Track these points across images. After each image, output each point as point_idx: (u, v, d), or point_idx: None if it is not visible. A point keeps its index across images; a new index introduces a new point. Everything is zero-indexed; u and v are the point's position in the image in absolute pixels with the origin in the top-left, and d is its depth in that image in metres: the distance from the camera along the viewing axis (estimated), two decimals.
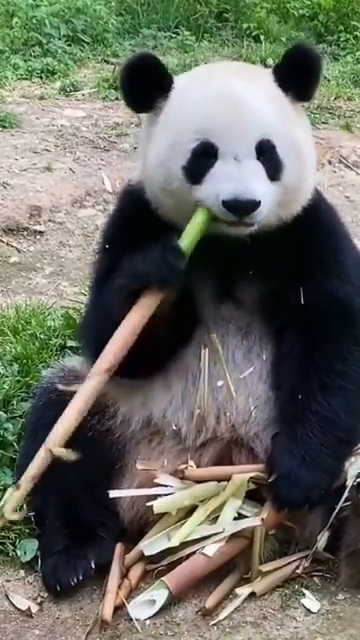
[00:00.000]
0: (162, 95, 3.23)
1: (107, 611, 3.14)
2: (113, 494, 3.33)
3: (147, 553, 3.26)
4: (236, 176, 3.08)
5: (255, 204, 3.08)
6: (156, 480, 3.28)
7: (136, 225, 3.31)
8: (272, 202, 3.16)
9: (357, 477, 3.22)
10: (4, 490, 3.47)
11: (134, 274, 3.14)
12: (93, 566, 3.30)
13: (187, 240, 3.13)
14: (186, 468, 3.28)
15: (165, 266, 3.10)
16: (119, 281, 3.19)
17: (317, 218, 3.35)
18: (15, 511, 3.12)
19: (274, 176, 3.16)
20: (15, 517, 3.14)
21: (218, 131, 3.12)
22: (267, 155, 3.15)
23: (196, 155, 3.14)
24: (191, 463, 3.29)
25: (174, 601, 3.20)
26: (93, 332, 3.35)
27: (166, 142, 3.19)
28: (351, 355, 3.30)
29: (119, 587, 3.21)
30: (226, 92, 3.16)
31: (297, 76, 3.22)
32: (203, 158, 3.13)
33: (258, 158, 3.13)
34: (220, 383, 3.22)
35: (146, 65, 3.23)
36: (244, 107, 3.14)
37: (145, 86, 3.21)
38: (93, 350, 3.30)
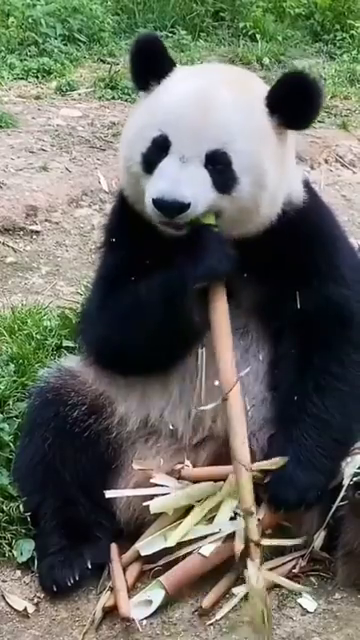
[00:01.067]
0: (157, 80, 3.25)
1: (125, 608, 3.14)
2: (109, 494, 3.33)
3: (143, 553, 3.26)
4: (171, 176, 3.07)
5: (182, 206, 3.05)
6: (152, 480, 3.28)
7: (134, 220, 3.30)
8: (213, 211, 3.13)
9: (353, 476, 3.22)
10: (1, 491, 3.49)
11: (201, 273, 3.13)
12: (89, 566, 3.31)
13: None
14: (182, 468, 3.28)
15: (224, 256, 3.12)
16: (181, 282, 3.13)
17: (312, 220, 3.34)
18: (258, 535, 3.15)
19: (223, 189, 3.12)
20: (264, 542, 3.16)
21: (176, 128, 3.11)
22: (218, 167, 3.10)
23: (153, 145, 3.15)
24: (187, 463, 3.29)
25: (170, 601, 3.19)
26: (107, 330, 3.31)
27: (137, 124, 3.23)
28: (347, 357, 3.30)
29: (113, 588, 3.21)
30: (200, 93, 3.15)
31: (288, 103, 3.14)
32: (157, 150, 3.14)
33: (207, 166, 3.10)
34: (217, 382, 3.22)
35: (149, 47, 3.27)
36: (210, 114, 3.11)
37: (145, 66, 3.25)
38: (102, 347, 3.33)
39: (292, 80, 3.20)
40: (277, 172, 3.18)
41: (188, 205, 3.05)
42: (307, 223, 3.32)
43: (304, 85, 3.16)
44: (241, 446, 3.14)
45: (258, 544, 3.13)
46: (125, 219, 3.35)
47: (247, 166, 3.12)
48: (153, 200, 3.06)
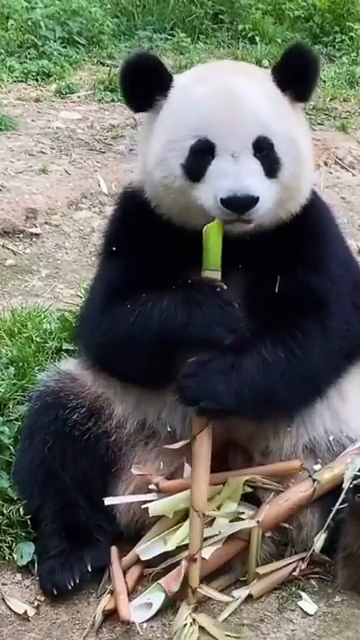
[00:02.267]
0: (162, 94, 3.24)
1: (125, 611, 3.14)
2: (108, 501, 3.33)
3: (143, 557, 3.26)
4: (233, 173, 3.09)
5: (253, 200, 3.08)
6: (151, 486, 3.28)
7: (140, 227, 3.31)
8: (271, 199, 3.16)
9: (353, 479, 3.22)
10: (1, 494, 3.49)
11: (205, 340, 3.13)
12: (89, 569, 3.30)
13: (214, 260, 3.15)
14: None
15: (229, 327, 3.13)
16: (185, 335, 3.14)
17: (310, 217, 3.35)
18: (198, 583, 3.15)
19: (272, 174, 3.17)
20: (202, 591, 3.16)
21: (215, 128, 3.12)
22: (265, 152, 3.15)
23: (194, 153, 3.14)
24: (187, 465, 3.29)
25: (171, 604, 3.19)
26: (106, 338, 3.29)
27: (165, 140, 3.20)
28: (313, 337, 3.24)
29: (113, 591, 3.21)
30: (224, 90, 3.17)
31: (295, 76, 3.23)
32: (201, 156, 3.13)
33: (255, 155, 3.14)
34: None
35: (145, 64, 3.24)
36: (242, 105, 3.15)
37: (145, 85, 3.22)
38: (100, 353, 3.34)
39: (289, 54, 3.29)
40: (307, 145, 3.30)
41: (257, 199, 3.08)
42: (305, 219, 3.33)
43: (300, 54, 3.27)
44: (199, 492, 3.15)
45: (194, 591, 3.14)
46: (133, 228, 3.34)
47: (286, 145, 3.19)
48: (223, 200, 3.06)
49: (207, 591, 3.18)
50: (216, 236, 3.14)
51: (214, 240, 3.14)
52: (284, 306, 3.21)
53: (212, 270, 3.17)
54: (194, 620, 3.10)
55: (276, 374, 3.17)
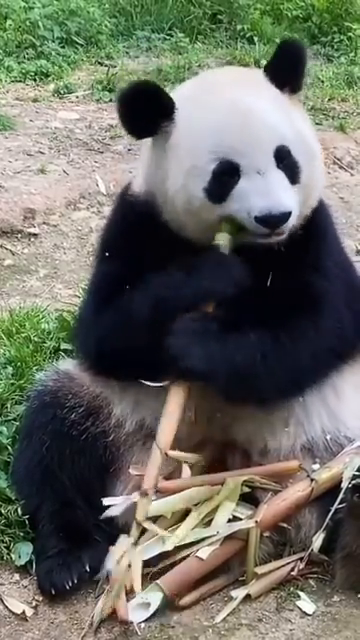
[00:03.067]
0: (166, 118, 3.19)
1: (123, 611, 3.12)
2: (107, 501, 3.32)
3: (142, 557, 3.24)
4: (264, 191, 3.09)
5: (288, 215, 3.10)
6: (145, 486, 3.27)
7: (139, 236, 3.30)
8: (298, 207, 3.17)
9: (352, 479, 3.22)
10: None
11: (191, 295, 3.14)
12: (88, 569, 3.30)
13: None
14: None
15: (224, 276, 3.13)
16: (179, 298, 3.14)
17: (311, 216, 3.34)
18: (145, 517, 3.15)
19: (294, 180, 3.18)
20: (147, 525, 3.16)
21: (235, 148, 3.11)
22: (285, 161, 3.16)
23: (217, 175, 3.12)
24: (185, 466, 3.28)
25: (169, 604, 3.19)
26: (101, 339, 3.30)
27: (183, 166, 3.16)
28: (302, 330, 3.23)
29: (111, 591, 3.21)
30: (234, 106, 3.15)
31: (290, 72, 3.25)
32: (225, 177, 3.12)
33: (278, 166, 3.14)
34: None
35: (145, 92, 3.20)
36: (255, 119, 3.13)
37: (147, 114, 3.17)
38: (96, 355, 3.34)
39: (280, 50, 3.33)
40: (315, 140, 3.31)
41: (290, 213, 3.10)
42: (308, 216, 3.32)
43: (296, 50, 3.31)
44: (166, 433, 3.16)
45: (140, 524, 3.15)
46: (131, 235, 3.32)
47: (300, 147, 3.20)
48: (258, 218, 3.07)
49: (151, 527, 3.18)
50: (226, 243, 3.17)
51: (224, 245, 3.17)
52: (278, 301, 3.20)
53: None
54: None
55: (257, 354, 3.15)
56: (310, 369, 3.27)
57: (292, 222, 3.15)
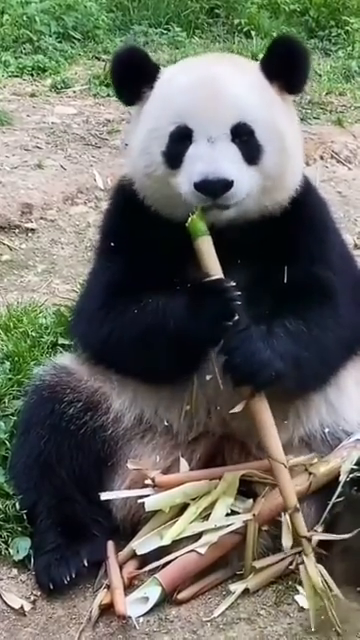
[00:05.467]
0: (148, 86, 3.26)
1: (121, 606, 3.12)
2: (105, 496, 3.32)
3: (139, 552, 3.25)
4: (208, 157, 3.09)
5: (227, 183, 3.07)
6: (147, 481, 3.27)
7: (132, 219, 3.31)
8: (250, 185, 3.16)
9: (350, 473, 3.22)
10: None
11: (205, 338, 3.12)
12: (86, 564, 3.30)
13: (215, 268, 3.13)
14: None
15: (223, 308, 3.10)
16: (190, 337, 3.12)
17: (307, 211, 3.36)
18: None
19: (252, 160, 3.16)
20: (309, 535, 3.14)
21: (193, 114, 3.13)
22: (244, 138, 3.15)
23: (173, 139, 3.16)
24: (183, 460, 3.28)
25: (167, 598, 3.19)
26: (107, 336, 3.30)
27: (147, 128, 3.22)
28: (325, 318, 3.25)
29: (109, 586, 3.21)
30: (205, 77, 3.19)
31: (281, 67, 3.25)
32: (179, 142, 3.15)
33: (233, 140, 3.14)
34: (209, 377, 3.21)
35: (131, 58, 3.27)
36: (221, 91, 3.16)
37: (133, 78, 3.24)
38: (98, 349, 3.35)
39: (276, 45, 3.32)
40: (294, 137, 3.29)
41: (232, 182, 3.07)
42: (302, 213, 3.34)
43: (287, 46, 3.28)
44: (275, 444, 3.12)
45: (309, 539, 3.13)
46: (128, 221, 3.34)
47: (268, 133, 3.18)
48: (196, 184, 3.06)
49: (322, 536, 3.19)
50: (207, 247, 3.12)
51: (207, 251, 3.13)
52: (293, 295, 3.22)
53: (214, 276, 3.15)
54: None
55: (302, 343, 3.17)
56: (337, 355, 3.31)
57: (239, 197, 3.11)
